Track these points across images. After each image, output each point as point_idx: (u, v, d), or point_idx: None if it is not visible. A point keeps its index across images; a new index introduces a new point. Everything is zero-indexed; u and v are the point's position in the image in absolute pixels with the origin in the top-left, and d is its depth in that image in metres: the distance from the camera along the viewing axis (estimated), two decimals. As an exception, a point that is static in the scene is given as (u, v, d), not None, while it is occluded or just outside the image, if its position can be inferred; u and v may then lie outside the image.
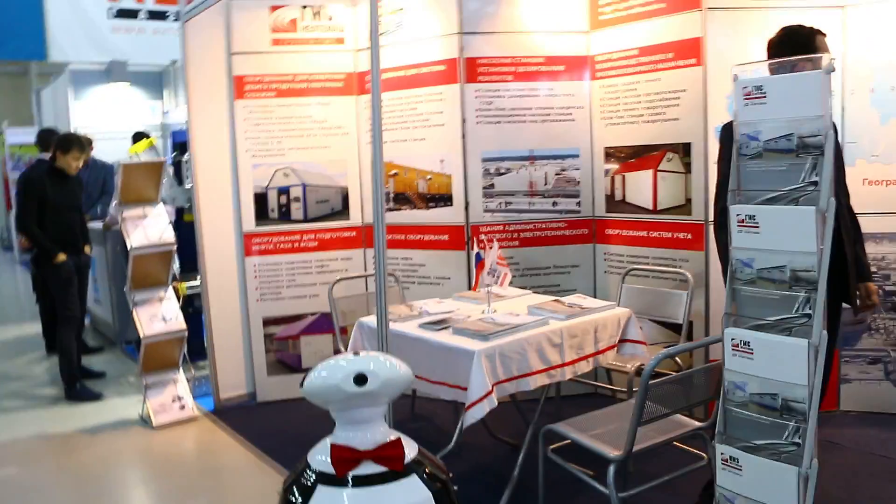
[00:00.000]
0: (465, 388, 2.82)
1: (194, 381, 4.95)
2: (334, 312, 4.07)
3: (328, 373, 1.64)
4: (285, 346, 4.72)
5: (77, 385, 4.96)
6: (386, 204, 4.54)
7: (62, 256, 4.84)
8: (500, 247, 4.33)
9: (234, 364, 4.70)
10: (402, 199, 4.55)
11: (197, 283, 4.97)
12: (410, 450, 1.70)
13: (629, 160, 4.21)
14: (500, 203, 4.38)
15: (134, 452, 4.10)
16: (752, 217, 1.95)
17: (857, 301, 2.84)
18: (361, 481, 1.58)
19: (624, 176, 4.26)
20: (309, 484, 1.61)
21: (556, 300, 3.46)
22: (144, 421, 4.44)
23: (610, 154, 4.31)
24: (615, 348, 3.28)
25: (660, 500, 3.08)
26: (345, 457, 1.59)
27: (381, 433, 1.65)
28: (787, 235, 1.89)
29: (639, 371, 3.45)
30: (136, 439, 4.25)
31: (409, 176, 4.51)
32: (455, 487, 1.68)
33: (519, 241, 4.39)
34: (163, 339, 4.52)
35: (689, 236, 3.97)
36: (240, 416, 4.53)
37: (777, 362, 1.90)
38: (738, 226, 1.97)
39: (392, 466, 1.60)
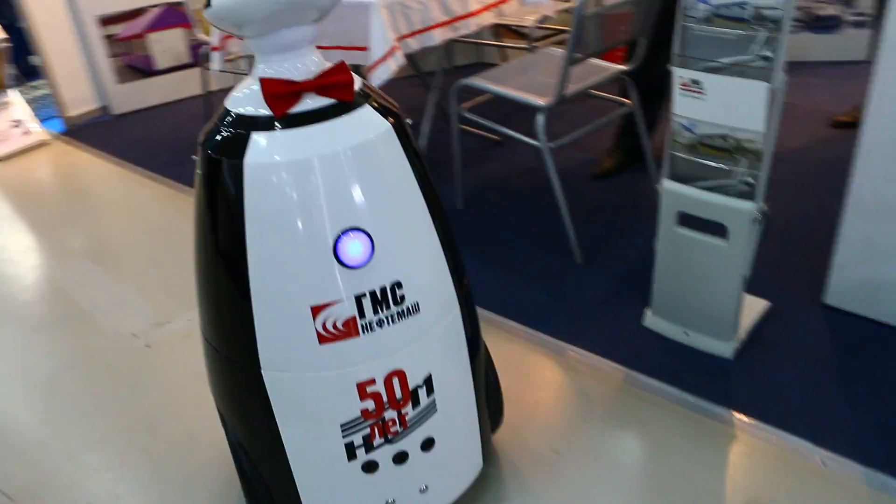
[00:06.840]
0: (365, 48, 2.45)
1: (36, 105, 4.31)
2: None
3: None
4: (130, 48, 4.10)
5: None
6: None
7: None
8: None
9: (75, 76, 4.07)
10: None
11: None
12: (356, 80, 1.31)
13: None
14: None
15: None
16: None
17: None
18: (304, 119, 1.19)
19: None
20: (234, 134, 1.20)
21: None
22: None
23: None
24: (518, -3, 2.93)
25: (586, 146, 2.99)
26: (281, 90, 1.19)
27: (315, 61, 1.25)
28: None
29: (542, 21, 3.17)
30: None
31: None
32: (409, 121, 1.34)
33: None
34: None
35: None
36: (96, 132, 4.02)
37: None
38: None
39: (340, 96, 1.23)
